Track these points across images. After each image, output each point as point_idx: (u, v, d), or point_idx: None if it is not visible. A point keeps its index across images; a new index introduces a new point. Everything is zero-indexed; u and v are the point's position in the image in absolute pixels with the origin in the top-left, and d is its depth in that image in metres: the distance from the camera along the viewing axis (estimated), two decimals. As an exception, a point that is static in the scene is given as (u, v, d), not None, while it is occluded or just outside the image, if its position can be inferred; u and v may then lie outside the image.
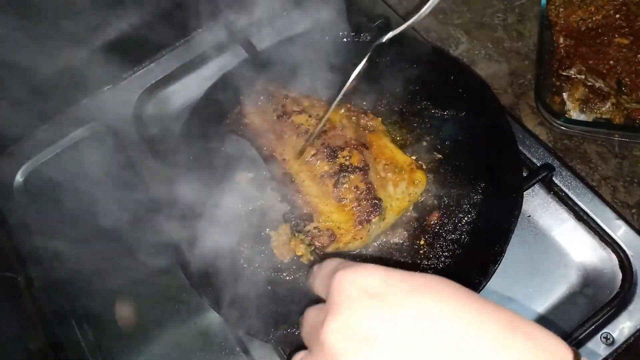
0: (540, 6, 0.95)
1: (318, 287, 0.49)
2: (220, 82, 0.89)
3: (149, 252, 0.78)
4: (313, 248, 0.71)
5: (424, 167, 0.78)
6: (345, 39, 0.90)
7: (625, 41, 0.90)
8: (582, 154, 0.86)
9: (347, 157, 0.72)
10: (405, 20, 0.98)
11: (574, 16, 0.93)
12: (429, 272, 0.71)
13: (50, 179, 0.95)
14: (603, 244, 0.76)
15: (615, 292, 0.73)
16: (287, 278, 0.75)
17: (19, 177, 0.97)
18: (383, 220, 0.71)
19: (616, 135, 0.85)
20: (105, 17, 0.97)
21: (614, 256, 0.75)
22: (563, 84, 0.90)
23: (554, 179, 0.80)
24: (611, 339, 0.70)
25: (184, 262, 0.74)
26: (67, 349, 0.81)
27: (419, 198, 0.76)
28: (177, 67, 1.01)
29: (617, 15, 0.92)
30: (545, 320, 0.73)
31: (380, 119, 0.80)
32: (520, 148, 0.80)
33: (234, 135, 0.82)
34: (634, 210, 0.81)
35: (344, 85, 0.63)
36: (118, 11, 0.96)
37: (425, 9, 0.57)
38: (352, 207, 0.69)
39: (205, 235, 0.74)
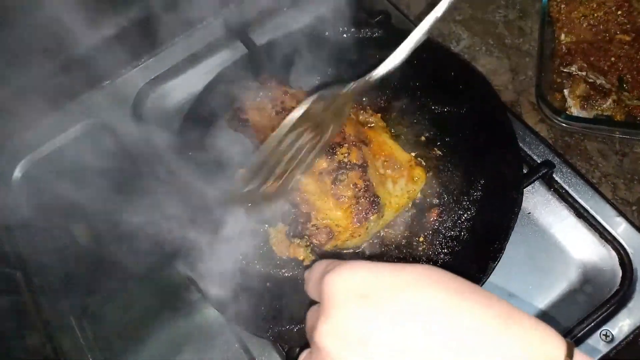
0: (542, 2, 0.94)
1: (312, 291, 0.49)
2: (220, 78, 0.88)
3: (148, 249, 0.78)
4: (311, 248, 0.71)
5: (424, 163, 0.78)
6: (345, 35, 0.89)
7: (627, 38, 0.89)
8: (583, 151, 0.86)
9: (346, 154, 0.71)
10: (406, 16, 0.99)
11: (575, 12, 0.93)
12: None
13: (49, 174, 0.95)
14: (603, 241, 0.76)
15: (615, 290, 0.72)
16: (286, 274, 0.74)
17: (17, 172, 0.97)
18: (382, 217, 0.71)
19: (617, 133, 0.85)
20: (104, 12, 0.96)
21: (614, 253, 0.75)
22: (564, 81, 0.90)
23: (554, 176, 0.79)
24: (611, 337, 0.70)
25: (182, 258, 0.73)
26: (65, 346, 0.81)
27: (418, 195, 0.76)
28: (176, 62, 1.00)
29: (619, 12, 0.91)
30: (544, 318, 0.73)
31: (379, 115, 0.80)
32: (521, 145, 0.80)
33: (233, 131, 0.81)
34: (634, 208, 0.80)
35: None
36: (118, 6, 0.96)
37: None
38: (351, 205, 0.69)
39: (204, 231, 0.74)
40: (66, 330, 0.82)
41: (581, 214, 0.78)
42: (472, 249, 0.71)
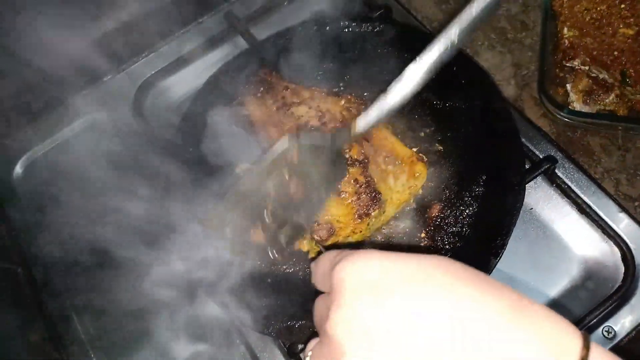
0: (544, -4, 0.94)
1: (320, 282, 0.49)
2: (220, 73, 0.88)
3: (149, 244, 0.78)
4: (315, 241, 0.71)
5: (425, 159, 0.77)
6: (346, 29, 0.89)
7: (631, 32, 0.89)
8: (585, 146, 0.85)
9: (347, 150, 0.71)
10: (408, 10, 0.99)
11: (578, 6, 0.92)
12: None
13: (50, 170, 0.95)
14: (605, 237, 0.76)
15: (617, 286, 0.72)
16: (287, 271, 0.74)
17: (18, 169, 0.97)
18: (383, 213, 0.71)
19: (620, 128, 0.84)
20: (105, 6, 0.96)
21: (616, 249, 0.75)
22: (567, 75, 0.89)
23: (556, 171, 0.79)
24: (613, 333, 0.70)
25: (182, 253, 0.73)
26: (67, 342, 0.81)
27: (420, 191, 0.75)
28: (177, 57, 1.00)
29: (622, 6, 0.90)
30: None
31: (381, 110, 0.79)
32: (523, 140, 0.79)
33: (234, 127, 0.81)
34: (637, 203, 0.80)
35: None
36: (118, 1, 0.95)
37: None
38: (352, 201, 0.68)
39: (204, 227, 0.73)
40: (68, 326, 0.82)
41: (583, 209, 0.77)
42: (473, 245, 0.71)
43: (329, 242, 0.69)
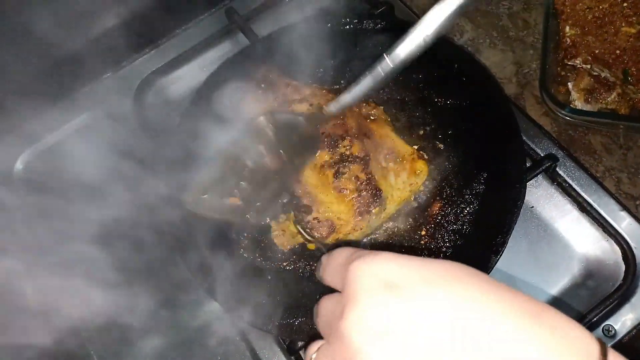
0: (546, -6, 0.93)
1: (331, 277, 0.47)
2: (221, 70, 0.88)
3: (149, 241, 0.78)
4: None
5: (426, 156, 0.77)
6: (347, 26, 0.88)
7: (633, 30, 0.88)
8: (587, 145, 0.85)
9: (348, 147, 0.71)
10: (409, 7, 0.98)
11: (580, 4, 0.91)
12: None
13: (50, 166, 0.94)
14: (606, 235, 0.76)
15: (618, 284, 0.72)
16: (288, 268, 0.74)
17: (18, 165, 0.97)
18: (383, 210, 0.71)
19: (621, 126, 0.84)
20: (106, 3, 0.96)
21: (617, 248, 0.75)
22: (568, 74, 0.89)
23: (557, 169, 0.79)
24: (613, 331, 0.70)
25: (184, 252, 0.73)
26: (66, 340, 0.81)
27: (421, 188, 0.75)
28: (178, 54, 1.00)
29: (625, 4, 0.90)
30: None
31: (382, 107, 0.79)
32: (524, 138, 0.79)
33: (235, 124, 0.81)
34: (638, 202, 0.80)
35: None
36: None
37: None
38: (352, 198, 0.68)
39: (205, 224, 0.73)
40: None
41: (584, 208, 0.77)
42: (474, 243, 0.71)
43: (330, 240, 0.69)
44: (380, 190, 0.69)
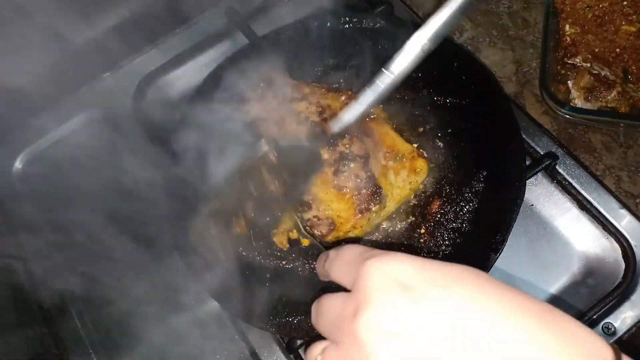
0: (546, -7, 0.93)
1: (338, 274, 0.46)
2: (221, 69, 0.88)
3: (148, 241, 0.78)
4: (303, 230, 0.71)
5: (426, 155, 0.77)
6: (347, 25, 0.88)
7: (633, 29, 0.88)
8: (587, 143, 0.85)
9: (348, 145, 0.71)
10: (409, 7, 0.98)
11: (580, 3, 0.91)
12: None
13: (49, 166, 0.94)
14: (606, 233, 0.76)
15: (617, 282, 0.72)
16: (286, 266, 0.74)
17: (17, 164, 0.97)
18: (383, 208, 0.71)
19: (621, 125, 0.84)
20: (104, 2, 0.96)
21: (617, 246, 0.75)
22: (568, 73, 0.89)
23: (557, 167, 0.79)
24: (613, 329, 0.70)
25: (183, 250, 0.73)
26: (66, 337, 0.81)
27: (420, 186, 0.75)
28: (177, 53, 1.00)
29: (625, 2, 0.90)
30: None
31: (381, 106, 0.79)
32: (524, 136, 0.79)
33: (234, 123, 0.81)
34: (638, 200, 0.80)
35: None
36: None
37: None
38: (352, 196, 0.68)
39: (205, 222, 0.73)
40: (66, 321, 0.82)
41: (584, 206, 0.77)
42: (474, 241, 0.71)
43: (330, 238, 0.69)
44: (380, 188, 0.69)
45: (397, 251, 0.43)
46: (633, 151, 0.83)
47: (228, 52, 0.94)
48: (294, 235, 0.72)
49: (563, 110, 0.84)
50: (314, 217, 0.68)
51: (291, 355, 0.72)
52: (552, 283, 0.74)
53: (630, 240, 0.74)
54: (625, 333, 0.69)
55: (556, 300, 0.73)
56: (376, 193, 0.68)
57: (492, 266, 0.66)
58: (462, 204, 0.74)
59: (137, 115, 0.94)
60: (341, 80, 0.86)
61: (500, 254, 0.66)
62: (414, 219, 0.75)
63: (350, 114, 0.65)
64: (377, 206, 0.68)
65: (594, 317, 0.69)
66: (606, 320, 0.70)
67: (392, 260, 0.42)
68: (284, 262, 0.74)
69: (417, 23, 0.95)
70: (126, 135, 0.94)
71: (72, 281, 0.84)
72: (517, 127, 0.74)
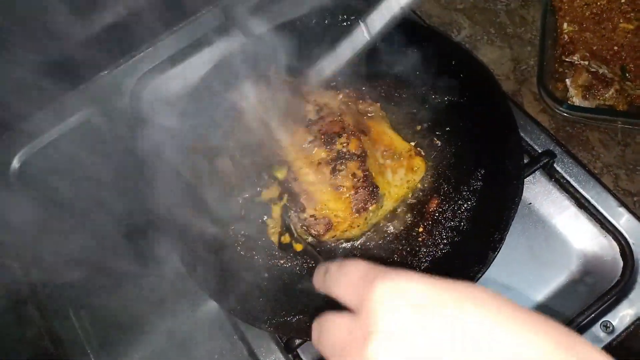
0: (544, -9, 0.93)
1: (343, 294, 0.43)
2: (218, 67, 0.87)
3: (147, 241, 0.78)
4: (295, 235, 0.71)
5: (423, 153, 0.77)
6: (345, 23, 0.88)
7: (631, 26, 0.88)
8: (585, 141, 0.85)
9: (345, 144, 0.70)
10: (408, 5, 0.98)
11: (578, 1, 0.91)
12: (427, 260, 0.71)
13: (47, 165, 0.94)
14: (604, 231, 0.76)
15: (616, 281, 0.72)
16: (284, 265, 0.74)
17: (15, 163, 0.96)
18: (381, 207, 0.70)
19: (619, 123, 0.84)
20: (101, 1, 0.95)
21: (615, 244, 0.75)
22: (566, 70, 0.89)
23: (555, 166, 0.79)
24: (611, 327, 0.69)
25: (181, 250, 0.73)
26: (64, 339, 0.81)
27: (418, 185, 0.75)
28: (175, 52, 0.99)
29: (622, 0, 0.90)
30: (545, 309, 0.73)
31: (379, 104, 0.79)
32: (522, 134, 0.79)
33: (231, 121, 0.80)
34: (636, 198, 0.80)
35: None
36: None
37: None
38: (349, 195, 0.68)
39: (202, 222, 0.73)
40: (64, 322, 0.81)
41: (582, 204, 0.77)
42: (471, 240, 0.71)
43: (327, 237, 0.68)
44: (377, 187, 0.69)
45: (402, 268, 0.41)
46: (631, 149, 0.83)
47: (226, 50, 0.93)
48: (286, 239, 0.71)
49: (561, 108, 0.84)
50: (311, 216, 0.68)
51: (290, 355, 0.72)
52: (551, 281, 0.74)
53: (628, 238, 0.74)
54: (623, 331, 0.69)
55: (554, 299, 0.73)
56: (373, 192, 0.68)
57: (490, 264, 0.66)
58: (460, 202, 0.74)
59: (134, 114, 0.93)
60: (339, 78, 0.85)
61: (498, 252, 0.66)
62: (411, 217, 0.75)
63: (327, 65, 0.64)
64: (375, 205, 0.68)
65: (593, 315, 0.69)
66: (604, 318, 0.70)
67: (403, 280, 0.40)
68: (281, 261, 0.74)
69: (414, 21, 0.95)
70: (124, 133, 0.93)
71: (70, 281, 0.84)
72: (515, 125, 0.74)
